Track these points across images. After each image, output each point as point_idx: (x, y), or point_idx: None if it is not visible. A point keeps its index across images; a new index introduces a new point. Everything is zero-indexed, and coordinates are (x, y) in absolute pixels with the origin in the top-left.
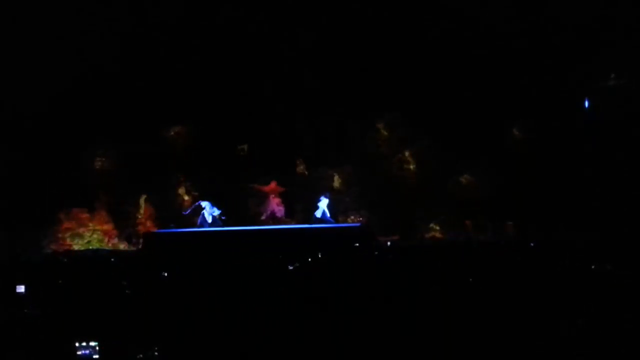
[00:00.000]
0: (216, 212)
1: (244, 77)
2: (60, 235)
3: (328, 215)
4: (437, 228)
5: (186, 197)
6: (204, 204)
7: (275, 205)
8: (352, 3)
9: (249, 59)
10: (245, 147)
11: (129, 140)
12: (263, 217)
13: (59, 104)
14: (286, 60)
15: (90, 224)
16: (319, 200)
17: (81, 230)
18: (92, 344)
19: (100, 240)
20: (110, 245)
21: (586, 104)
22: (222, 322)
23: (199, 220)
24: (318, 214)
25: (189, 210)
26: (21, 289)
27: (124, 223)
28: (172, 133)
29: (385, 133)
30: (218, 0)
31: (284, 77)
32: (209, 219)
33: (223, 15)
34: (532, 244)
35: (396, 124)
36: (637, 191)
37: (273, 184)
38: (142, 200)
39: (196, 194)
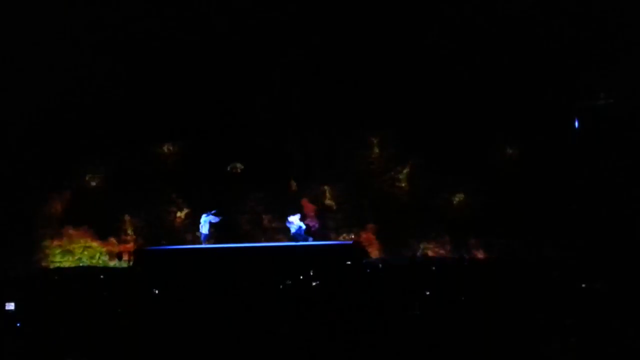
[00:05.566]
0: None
1: (235, 93)
2: (50, 252)
3: (205, 232)
4: (430, 246)
5: (178, 214)
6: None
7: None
8: (343, 21)
9: (240, 76)
10: (237, 165)
11: (119, 157)
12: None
13: (49, 121)
14: (278, 77)
15: (81, 241)
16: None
17: (71, 247)
18: None
19: (91, 257)
20: (100, 262)
21: (576, 123)
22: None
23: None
24: (204, 230)
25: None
26: (11, 306)
27: (114, 240)
28: (163, 150)
29: (377, 150)
30: (209, 18)
31: (276, 94)
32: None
33: (214, 33)
34: (522, 262)
35: (388, 142)
36: (626, 209)
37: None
38: (130, 218)
39: (188, 210)
